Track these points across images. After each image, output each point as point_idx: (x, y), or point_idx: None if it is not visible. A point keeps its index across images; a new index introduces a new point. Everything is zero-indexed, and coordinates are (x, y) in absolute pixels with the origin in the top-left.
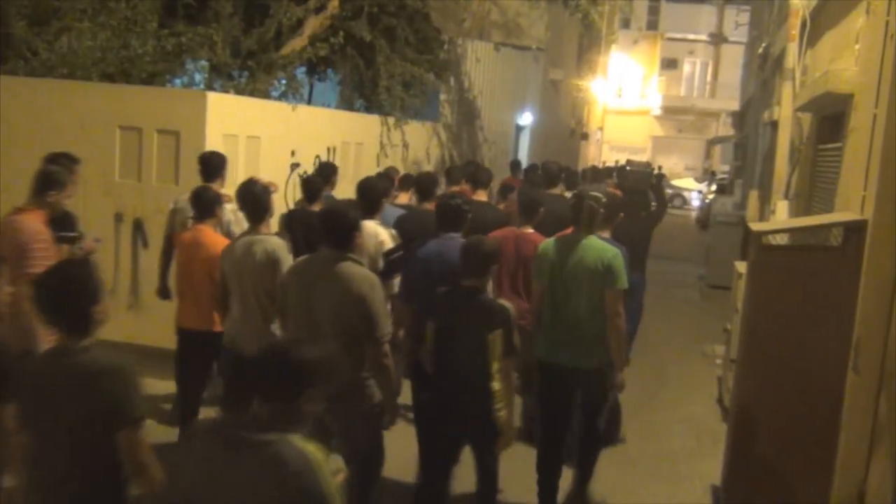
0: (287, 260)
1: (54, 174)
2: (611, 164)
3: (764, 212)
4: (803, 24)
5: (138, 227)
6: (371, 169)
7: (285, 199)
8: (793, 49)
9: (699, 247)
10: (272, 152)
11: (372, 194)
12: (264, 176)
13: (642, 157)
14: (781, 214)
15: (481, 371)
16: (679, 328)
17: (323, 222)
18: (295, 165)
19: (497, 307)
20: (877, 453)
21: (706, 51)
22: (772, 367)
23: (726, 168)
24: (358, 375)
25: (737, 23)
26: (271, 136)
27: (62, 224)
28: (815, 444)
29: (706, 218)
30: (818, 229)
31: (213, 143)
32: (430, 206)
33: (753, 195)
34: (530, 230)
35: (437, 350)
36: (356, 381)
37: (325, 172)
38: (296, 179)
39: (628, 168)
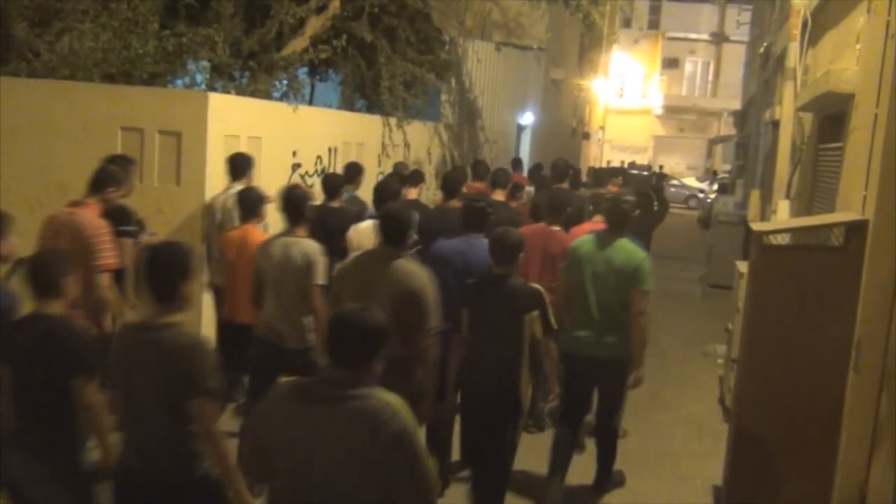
0: (322, 261)
1: (114, 172)
2: (615, 164)
3: (765, 211)
4: (804, 24)
5: (140, 227)
6: (372, 169)
7: None
8: (794, 48)
9: (700, 246)
10: (274, 153)
11: (387, 194)
12: (266, 176)
13: (644, 157)
14: (783, 214)
15: (514, 352)
16: (680, 328)
17: (382, 223)
18: (296, 166)
19: (528, 289)
20: (878, 453)
21: (707, 50)
22: (773, 367)
23: (728, 167)
24: (404, 366)
25: (738, 22)
26: (273, 137)
27: (120, 218)
28: (817, 444)
29: (707, 217)
30: (819, 229)
31: (214, 143)
32: (456, 203)
33: (755, 195)
34: (557, 228)
35: (471, 336)
36: (402, 371)
37: (350, 172)
38: (297, 180)
39: (631, 171)
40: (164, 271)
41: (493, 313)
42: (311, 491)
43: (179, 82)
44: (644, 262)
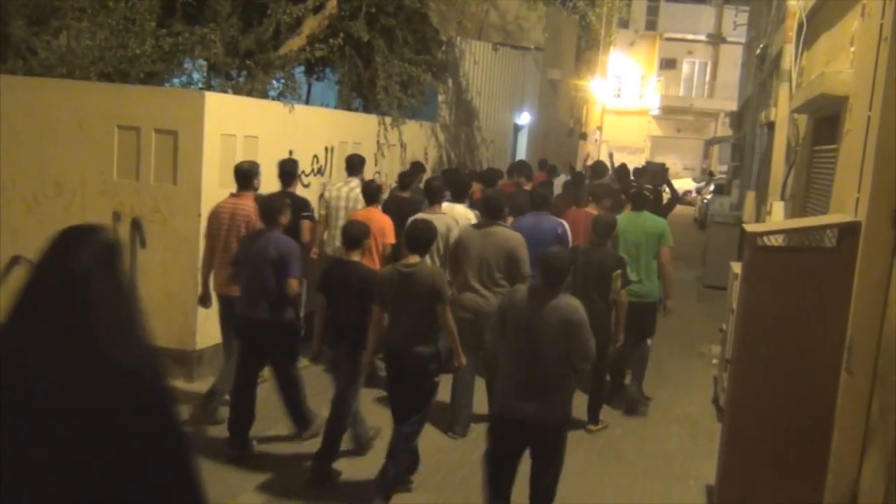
0: (456, 230)
1: (250, 165)
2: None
3: (760, 212)
4: (800, 26)
5: (136, 226)
6: (369, 168)
7: None
8: (789, 50)
9: (696, 247)
10: (270, 152)
11: (460, 185)
12: (263, 176)
13: (641, 158)
14: (777, 215)
15: (605, 298)
16: (676, 328)
17: (483, 203)
18: None
19: (617, 256)
20: (869, 453)
21: (705, 51)
22: (766, 368)
23: (724, 168)
24: None
25: (735, 23)
26: (269, 136)
27: (302, 207)
28: (809, 444)
29: (704, 218)
30: (813, 231)
31: (210, 142)
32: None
33: (750, 196)
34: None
35: (574, 284)
36: None
37: (415, 170)
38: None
39: (648, 168)
40: (420, 236)
41: (591, 271)
42: (531, 344)
43: (176, 81)
44: (666, 227)
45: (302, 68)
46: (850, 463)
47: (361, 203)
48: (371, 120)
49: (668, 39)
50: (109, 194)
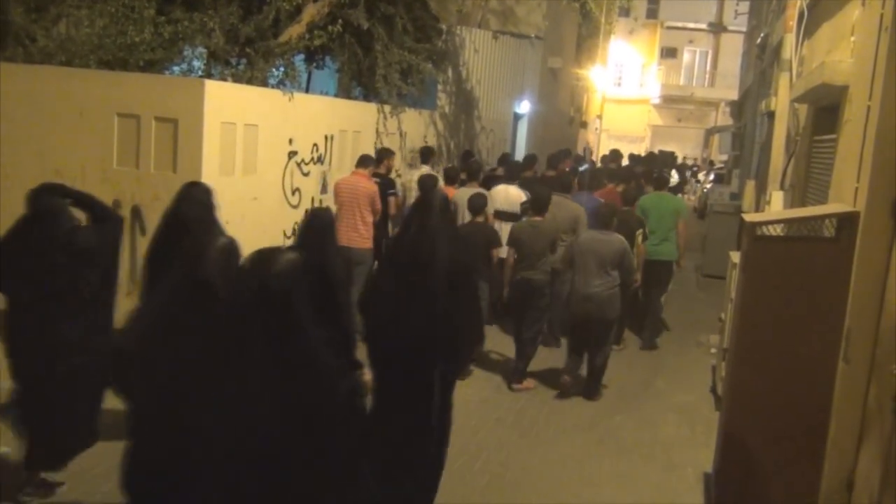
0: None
1: (368, 155)
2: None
3: (760, 202)
4: (801, 15)
5: (136, 214)
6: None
7: (283, 187)
8: (790, 39)
9: (696, 236)
10: (270, 140)
11: (515, 170)
12: (263, 164)
13: (641, 147)
14: (776, 205)
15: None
16: (675, 318)
17: (558, 181)
18: (293, 154)
19: (639, 218)
20: (866, 442)
21: (706, 40)
22: (764, 357)
23: (724, 158)
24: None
25: (736, 12)
26: (269, 124)
27: (389, 186)
28: (806, 433)
29: (703, 207)
30: (811, 220)
31: (210, 130)
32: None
33: (750, 185)
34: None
35: None
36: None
37: (465, 159)
38: (293, 167)
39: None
40: (544, 201)
41: (620, 230)
42: (595, 265)
43: (176, 69)
44: (683, 203)
45: (302, 56)
46: (847, 452)
47: None
48: (370, 108)
49: (669, 28)
50: (109, 182)
